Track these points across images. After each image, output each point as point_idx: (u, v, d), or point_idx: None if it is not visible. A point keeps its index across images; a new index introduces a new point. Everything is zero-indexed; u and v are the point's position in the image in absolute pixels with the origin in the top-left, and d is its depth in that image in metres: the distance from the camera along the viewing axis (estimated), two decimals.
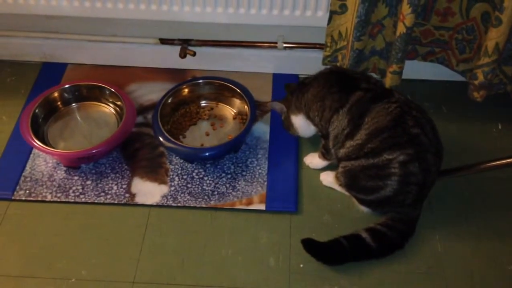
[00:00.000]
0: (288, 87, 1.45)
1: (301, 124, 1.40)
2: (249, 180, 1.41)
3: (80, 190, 1.39)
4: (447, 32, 1.40)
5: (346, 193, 1.33)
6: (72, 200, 1.37)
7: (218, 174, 1.43)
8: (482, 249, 1.28)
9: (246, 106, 1.50)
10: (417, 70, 1.61)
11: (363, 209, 1.31)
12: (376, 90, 1.26)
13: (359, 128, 1.22)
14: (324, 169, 1.43)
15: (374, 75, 1.48)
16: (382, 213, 1.28)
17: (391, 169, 1.18)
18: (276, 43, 1.59)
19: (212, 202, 1.36)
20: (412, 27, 1.28)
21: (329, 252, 1.24)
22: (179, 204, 1.36)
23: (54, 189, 1.39)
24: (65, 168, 1.44)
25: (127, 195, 1.38)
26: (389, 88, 1.33)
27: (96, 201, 1.37)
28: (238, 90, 1.53)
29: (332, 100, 1.27)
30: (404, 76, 1.45)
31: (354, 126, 1.23)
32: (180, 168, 1.44)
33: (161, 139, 1.41)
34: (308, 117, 1.36)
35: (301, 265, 1.25)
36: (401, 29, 1.29)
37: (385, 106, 1.21)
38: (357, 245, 1.22)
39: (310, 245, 1.24)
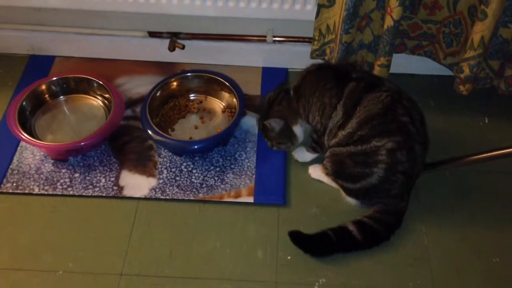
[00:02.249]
0: (267, 99, 1.40)
1: (301, 130, 1.39)
2: (238, 173, 1.41)
3: (68, 183, 1.38)
4: (434, 25, 1.41)
5: (334, 184, 1.34)
6: (60, 193, 1.36)
7: (206, 167, 1.43)
8: (467, 242, 1.29)
9: (235, 100, 1.50)
10: (405, 64, 1.62)
11: (351, 201, 1.32)
12: (367, 78, 1.27)
13: (351, 118, 1.23)
14: (313, 162, 1.43)
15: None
16: (369, 205, 1.29)
17: (378, 156, 1.18)
18: (265, 36, 1.59)
19: (200, 195, 1.36)
20: (399, 20, 1.29)
21: (316, 244, 1.24)
22: (167, 197, 1.36)
23: (42, 181, 1.39)
24: (52, 161, 1.43)
25: (115, 188, 1.38)
26: (379, 77, 1.34)
27: (84, 194, 1.36)
28: (227, 84, 1.52)
29: (330, 96, 1.27)
30: (392, 71, 1.46)
31: (347, 117, 1.24)
32: (168, 161, 1.44)
33: (149, 132, 1.41)
34: (307, 119, 1.35)
35: (289, 257, 1.25)
36: (388, 22, 1.30)
37: (376, 95, 1.21)
38: (344, 237, 1.23)
39: (297, 238, 1.25)
